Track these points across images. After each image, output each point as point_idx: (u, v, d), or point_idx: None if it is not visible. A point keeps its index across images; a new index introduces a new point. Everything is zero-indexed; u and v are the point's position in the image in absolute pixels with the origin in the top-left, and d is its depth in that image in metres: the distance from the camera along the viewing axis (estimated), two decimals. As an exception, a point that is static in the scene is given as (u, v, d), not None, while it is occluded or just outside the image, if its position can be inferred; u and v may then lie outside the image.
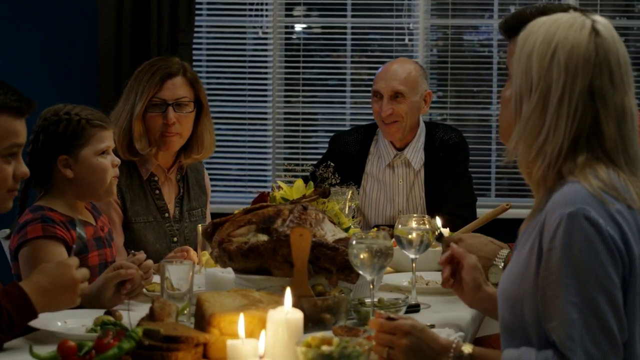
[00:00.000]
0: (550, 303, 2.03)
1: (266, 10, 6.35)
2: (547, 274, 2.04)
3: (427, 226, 2.94)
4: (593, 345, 1.98)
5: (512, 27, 3.02)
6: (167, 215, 3.86)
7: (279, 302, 2.29)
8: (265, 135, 6.39)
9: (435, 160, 4.50)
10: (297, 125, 6.40)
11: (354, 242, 2.56)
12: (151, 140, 3.78)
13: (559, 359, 2.00)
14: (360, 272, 2.58)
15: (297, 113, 6.40)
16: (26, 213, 3.18)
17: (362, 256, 2.53)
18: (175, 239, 3.86)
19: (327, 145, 4.74)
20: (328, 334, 2.15)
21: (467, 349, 2.13)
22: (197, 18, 6.19)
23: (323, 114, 6.44)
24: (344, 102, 6.40)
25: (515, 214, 3.58)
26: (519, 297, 2.12)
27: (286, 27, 6.41)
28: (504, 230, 2.68)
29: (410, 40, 6.30)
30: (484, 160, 6.25)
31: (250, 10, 6.36)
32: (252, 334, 2.16)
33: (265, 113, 6.38)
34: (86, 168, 3.21)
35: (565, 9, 3.04)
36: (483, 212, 3.94)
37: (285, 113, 6.40)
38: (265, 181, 6.40)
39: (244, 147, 6.38)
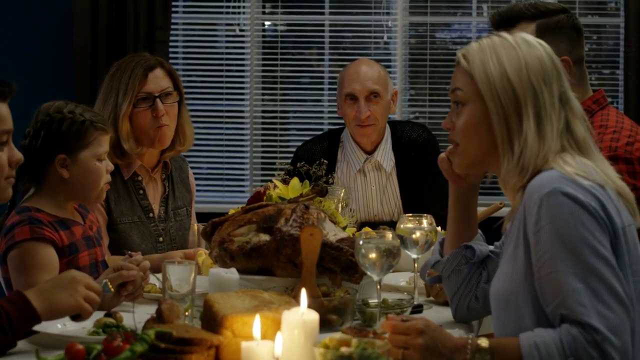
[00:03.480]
0: (550, 281, 2.09)
1: (243, 7, 6.31)
2: (540, 256, 2.10)
3: (428, 226, 2.92)
4: (604, 307, 2.05)
5: (506, 20, 3.06)
6: (151, 215, 3.81)
7: (291, 303, 2.26)
8: (243, 133, 6.35)
9: (406, 160, 4.44)
10: (275, 122, 6.37)
11: (361, 242, 2.52)
12: (139, 138, 3.73)
13: (578, 327, 2.05)
14: (368, 273, 2.55)
15: (275, 111, 6.36)
16: (12, 215, 3.12)
17: (371, 256, 2.50)
18: (160, 238, 3.81)
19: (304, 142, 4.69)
20: (337, 335, 2.12)
21: (484, 342, 2.13)
22: (173, 15, 6.14)
23: (301, 111, 6.41)
24: (321, 100, 6.37)
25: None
26: (512, 293, 2.19)
27: (263, 24, 6.37)
28: (497, 228, 2.67)
29: (388, 37, 6.28)
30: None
31: (227, 7, 6.31)
32: (265, 335, 2.12)
33: (243, 111, 6.34)
34: (83, 171, 3.15)
35: (552, 8, 3.08)
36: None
37: (263, 111, 6.36)
38: (242, 179, 6.36)
39: (221, 144, 6.34)
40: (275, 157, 6.34)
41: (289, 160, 4.47)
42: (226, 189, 6.36)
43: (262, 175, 6.35)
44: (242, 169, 6.36)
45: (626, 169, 2.39)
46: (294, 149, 6.16)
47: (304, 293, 2.13)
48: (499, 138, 2.22)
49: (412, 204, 4.33)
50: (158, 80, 3.74)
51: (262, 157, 6.35)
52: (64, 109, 3.17)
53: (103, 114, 3.63)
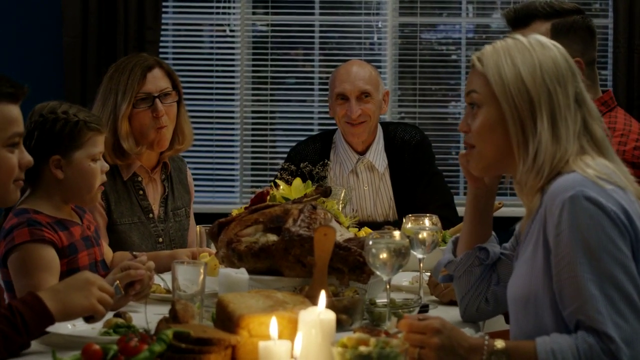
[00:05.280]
0: (569, 286, 2.10)
1: (233, 7, 6.31)
2: (560, 259, 2.11)
3: (434, 226, 2.93)
4: (619, 316, 2.06)
5: (521, 18, 3.07)
6: (151, 215, 3.81)
7: (305, 303, 2.27)
8: (233, 134, 6.35)
9: (400, 161, 4.46)
10: (265, 123, 6.38)
11: (371, 242, 2.53)
12: (138, 138, 3.73)
13: (595, 335, 2.07)
14: (378, 272, 2.55)
15: (265, 111, 6.37)
16: (11, 217, 3.11)
17: (381, 256, 2.51)
18: (160, 239, 3.81)
19: (295, 142, 4.70)
20: (348, 334, 2.13)
21: (500, 344, 2.14)
22: (163, 15, 6.14)
23: (291, 111, 6.42)
24: (311, 100, 6.38)
25: (507, 212, 3.58)
26: (531, 295, 2.19)
27: (253, 24, 6.38)
28: (496, 228, 2.69)
29: (378, 38, 6.30)
30: (454, 158, 6.27)
31: (217, 7, 6.32)
32: (281, 335, 2.13)
33: (233, 111, 6.35)
34: (77, 171, 3.15)
35: (567, 8, 3.11)
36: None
37: (253, 111, 6.37)
38: (232, 179, 6.36)
39: (212, 145, 6.34)
40: (266, 158, 6.35)
41: (281, 161, 4.47)
42: (216, 189, 6.36)
43: (252, 175, 6.35)
44: (232, 169, 6.37)
45: (633, 173, 2.40)
46: (284, 149, 6.19)
47: (323, 293, 2.15)
48: (514, 140, 2.23)
49: (406, 204, 4.34)
50: (157, 80, 3.74)
51: (252, 158, 6.36)
52: (58, 109, 3.17)
53: (102, 115, 3.63)
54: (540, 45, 2.26)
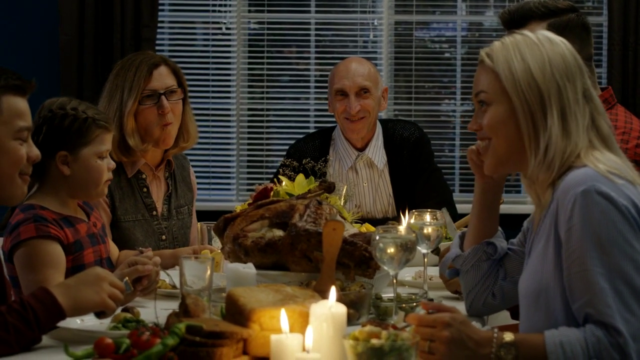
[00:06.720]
0: (579, 279, 2.11)
1: (229, 5, 6.32)
2: (570, 253, 2.13)
3: (438, 221, 2.95)
4: (627, 311, 2.08)
5: (517, 19, 3.08)
6: (155, 213, 3.82)
7: (315, 297, 2.29)
8: (229, 131, 6.37)
9: (399, 158, 4.48)
10: (262, 120, 6.40)
11: (378, 237, 2.55)
12: (143, 135, 3.74)
13: (603, 328, 2.09)
14: (385, 267, 2.57)
15: (262, 109, 6.39)
16: (17, 213, 3.12)
17: (389, 251, 2.52)
18: (163, 236, 3.82)
19: (291, 140, 4.70)
20: (355, 328, 2.14)
21: (509, 336, 2.15)
22: (159, 13, 6.14)
23: (287, 109, 6.44)
24: (307, 97, 6.40)
25: (506, 209, 3.60)
26: (542, 290, 2.21)
27: (249, 22, 6.40)
28: (516, 225, 2.72)
29: (374, 36, 6.33)
30: (448, 155, 6.30)
31: (213, 5, 6.33)
32: (292, 328, 2.14)
33: (229, 109, 6.36)
34: (84, 168, 3.15)
35: (562, 7, 3.12)
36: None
37: (249, 109, 6.39)
38: (229, 177, 6.38)
39: (208, 142, 6.35)
40: (262, 155, 6.37)
41: (277, 158, 4.48)
42: (213, 186, 6.37)
43: (249, 172, 6.37)
44: (229, 167, 6.38)
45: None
46: (280, 147, 6.22)
47: (333, 288, 2.16)
48: (525, 134, 2.23)
49: (405, 201, 4.36)
50: (163, 77, 3.75)
51: (249, 155, 6.38)
52: (67, 105, 3.17)
53: (108, 111, 3.64)
54: (548, 41, 2.27)
